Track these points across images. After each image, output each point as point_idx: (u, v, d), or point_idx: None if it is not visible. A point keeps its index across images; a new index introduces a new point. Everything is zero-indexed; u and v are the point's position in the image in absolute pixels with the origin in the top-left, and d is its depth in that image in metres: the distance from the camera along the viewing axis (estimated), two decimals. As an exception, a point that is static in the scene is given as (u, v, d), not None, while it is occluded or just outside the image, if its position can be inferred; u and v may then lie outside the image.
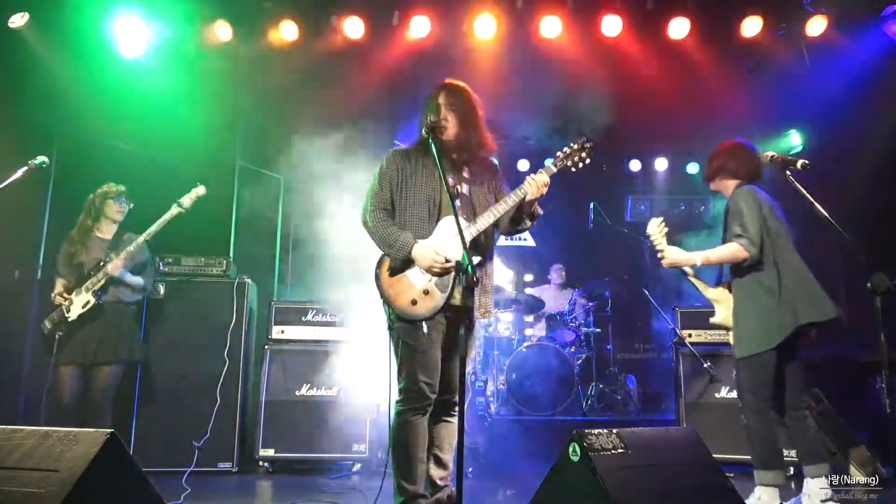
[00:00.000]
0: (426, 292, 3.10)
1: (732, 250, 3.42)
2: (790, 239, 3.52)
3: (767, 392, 3.43)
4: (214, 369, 4.85)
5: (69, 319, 4.25)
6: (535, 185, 3.13)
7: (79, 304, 4.27)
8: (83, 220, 4.49)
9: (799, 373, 3.54)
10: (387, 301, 3.18)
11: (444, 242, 3.14)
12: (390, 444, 3.14)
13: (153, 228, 4.37)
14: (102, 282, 4.28)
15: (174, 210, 4.41)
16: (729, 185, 3.68)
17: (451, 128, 3.18)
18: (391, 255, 3.17)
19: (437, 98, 3.22)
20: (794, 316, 3.34)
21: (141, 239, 4.36)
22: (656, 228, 3.64)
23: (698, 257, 3.55)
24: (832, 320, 3.37)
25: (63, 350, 4.25)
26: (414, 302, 3.10)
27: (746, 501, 3.27)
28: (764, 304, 3.40)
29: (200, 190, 4.53)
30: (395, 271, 3.18)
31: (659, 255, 3.64)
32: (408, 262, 3.15)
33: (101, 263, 4.32)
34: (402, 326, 3.13)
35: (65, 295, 4.30)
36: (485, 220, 3.14)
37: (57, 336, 4.22)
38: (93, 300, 4.27)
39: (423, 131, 3.06)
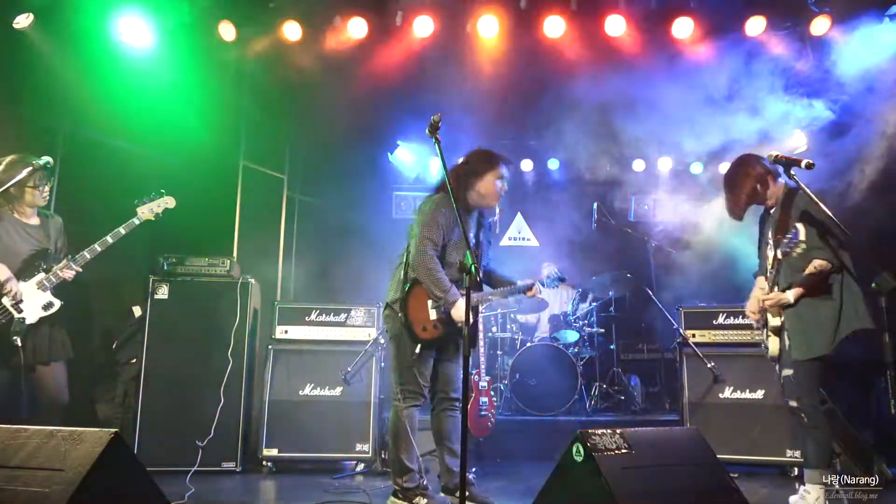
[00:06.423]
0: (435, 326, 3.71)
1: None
2: None
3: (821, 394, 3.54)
4: (218, 369, 4.85)
5: (26, 321, 3.87)
6: None
7: (36, 303, 3.94)
8: None
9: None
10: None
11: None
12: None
13: (109, 239, 4.03)
14: (56, 282, 4.00)
15: (134, 221, 4.14)
16: (778, 190, 3.68)
17: None
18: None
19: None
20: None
21: (98, 248, 4.04)
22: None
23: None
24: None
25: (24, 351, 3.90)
26: (424, 329, 3.69)
27: (792, 498, 3.48)
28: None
29: (170, 202, 4.27)
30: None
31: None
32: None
33: (44, 264, 3.99)
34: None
35: (10, 287, 3.87)
36: None
37: (17, 341, 3.81)
38: (57, 303, 3.99)
39: (427, 130, 3.10)
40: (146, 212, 4.17)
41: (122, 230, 4.07)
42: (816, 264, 3.44)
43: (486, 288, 4.00)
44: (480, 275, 3.53)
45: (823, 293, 3.47)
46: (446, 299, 3.59)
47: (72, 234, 4.37)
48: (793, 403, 3.55)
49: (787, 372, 3.56)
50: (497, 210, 7.12)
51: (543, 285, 3.90)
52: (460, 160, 3.86)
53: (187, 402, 4.83)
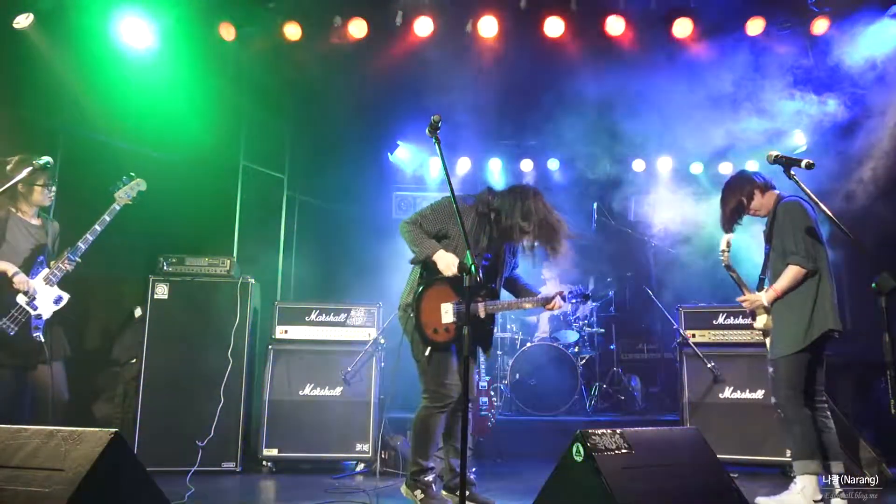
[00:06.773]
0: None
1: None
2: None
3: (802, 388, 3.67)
4: (218, 369, 4.85)
5: (44, 317, 3.97)
6: None
7: (48, 299, 4.00)
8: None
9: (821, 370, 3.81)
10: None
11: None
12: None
13: (97, 227, 4.09)
14: (60, 276, 4.06)
15: (115, 207, 4.18)
16: (769, 201, 3.84)
17: None
18: None
19: None
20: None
21: (90, 237, 4.09)
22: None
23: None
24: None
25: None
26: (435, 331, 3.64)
27: (786, 491, 3.61)
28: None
29: (142, 184, 4.31)
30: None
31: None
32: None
33: (43, 259, 4.06)
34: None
35: (20, 282, 3.93)
36: None
37: (40, 337, 3.93)
38: (65, 296, 4.05)
39: (427, 130, 3.10)
40: (123, 196, 4.24)
41: (106, 217, 4.14)
42: (790, 269, 3.63)
43: (506, 295, 3.98)
44: (480, 275, 3.52)
45: (799, 295, 3.65)
46: (420, 252, 3.64)
47: (72, 234, 4.37)
48: (773, 399, 3.76)
49: (771, 369, 3.76)
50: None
51: (565, 300, 3.85)
52: (541, 202, 3.96)
53: (187, 402, 4.83)
